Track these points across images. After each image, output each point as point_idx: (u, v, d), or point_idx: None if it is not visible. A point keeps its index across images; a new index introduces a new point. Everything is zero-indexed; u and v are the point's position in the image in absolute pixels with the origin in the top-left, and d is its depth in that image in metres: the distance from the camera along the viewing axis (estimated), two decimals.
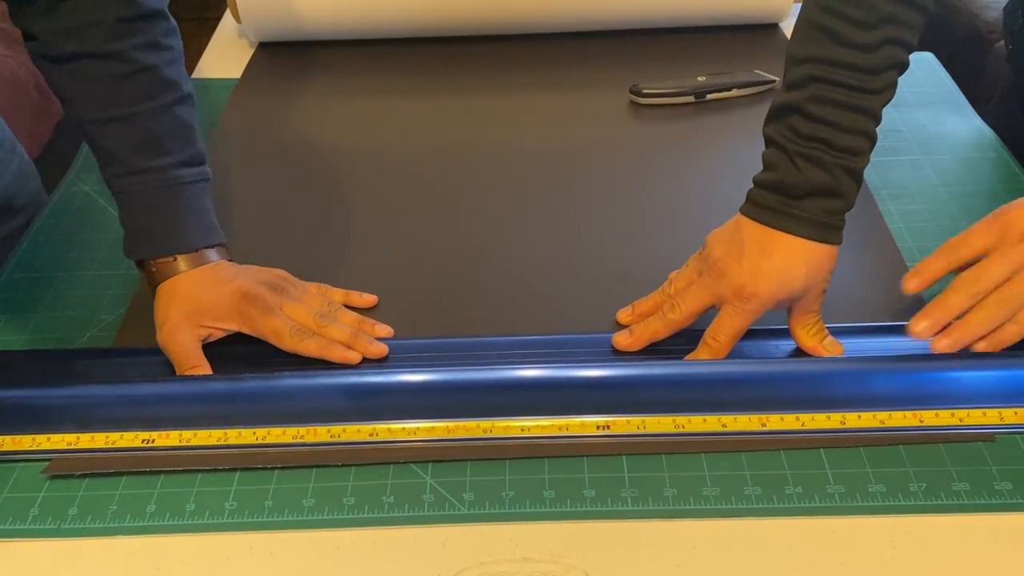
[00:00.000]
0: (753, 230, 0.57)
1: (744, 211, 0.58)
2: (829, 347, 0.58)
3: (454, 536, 0.49)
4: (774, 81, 0.86)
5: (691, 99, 0.86)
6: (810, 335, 0.58)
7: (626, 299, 0.64)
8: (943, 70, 0.93)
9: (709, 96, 0.86)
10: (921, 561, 0.47)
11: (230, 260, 0.63)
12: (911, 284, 0.58)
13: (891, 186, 0.75)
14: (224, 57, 0.99)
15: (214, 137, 0.84)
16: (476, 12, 0.96)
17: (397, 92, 0.92)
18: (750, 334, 0.59)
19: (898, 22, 0.53)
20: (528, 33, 0.99)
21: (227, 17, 1.07)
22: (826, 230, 0.56)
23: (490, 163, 0.81)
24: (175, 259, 0.60)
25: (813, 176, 0.55)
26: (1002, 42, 1.35)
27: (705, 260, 0.59)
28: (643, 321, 0.59)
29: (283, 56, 0.98)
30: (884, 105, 0.55)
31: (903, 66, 0.55)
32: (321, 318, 0.60)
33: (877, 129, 0.56)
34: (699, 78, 0.86)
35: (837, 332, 0.60)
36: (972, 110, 0.86)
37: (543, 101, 0.90)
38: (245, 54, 0.99)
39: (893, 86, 0.55)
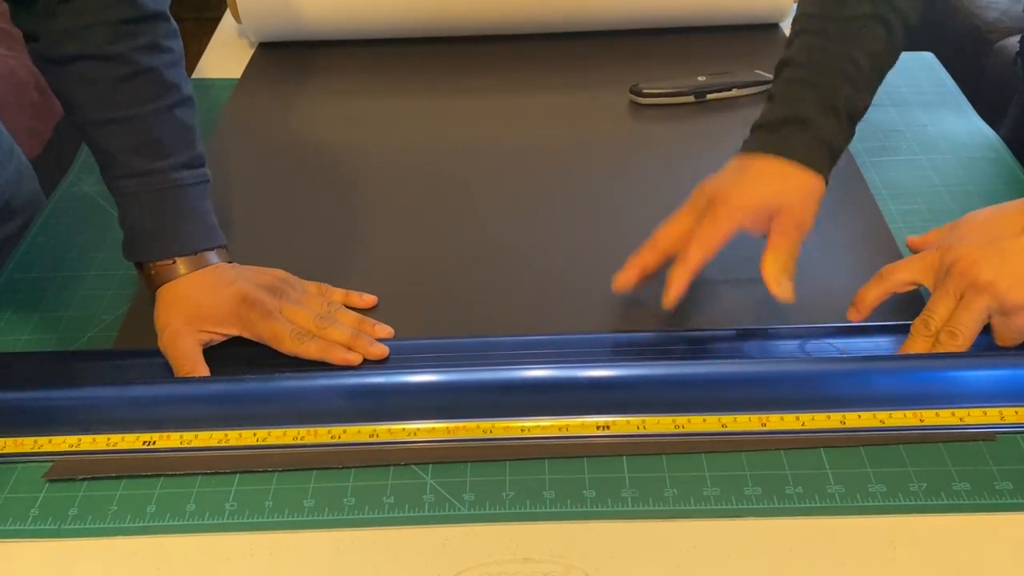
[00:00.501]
0: (737, 159, 0.61)
1: (739, 152, 0.62)
2: (781, 284, 0.58)
3: (454, 537, 0.49)
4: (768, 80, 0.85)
5: (691, 99, 0.86)
6: (774, 263, 0.58)
7: (627, 298, 0.64)
8: (943, 70, 0.93)
9: (709, 96, 0.86)
10: (921, 561, 0.47)
11: (230, 262, 0.63)
12: (852, 316, 0.59)
13: (891, 186, 0.75)
14: (224, 57, 0.99)
15: (214, 137, 0.84)
16: (476, 12, 0.96)
17: (397, 92, 0.92)
18: (751, 334, 0.59)
19: None
20: (528, 33, 0.99)
21: (227, 17, 1.07)
22: (804, 154, 0.59)
23: (491, 163, 0.81)
24: (174, 262, 0.60)
25: (787, 109, 0.60)
26: (1001, 42, 1.35)
27: (695, 193, 0.62)
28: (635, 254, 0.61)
29: (283, 56, 0.98)
30: (868, 54, 0.60)
31: (886, 22, 0.60)
32: (321, 320, 0.60)
33: (872, 76, 0.60)
34: (699, 78, 0.86)
35: (838, 332, 0.60)
36: (972, 110, 0.86)
37: (544, 101, 0.91)
38: (245, 54, 0.99)
39: (877, 39, 0.60)
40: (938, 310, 0.56)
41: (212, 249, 0.62)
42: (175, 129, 0.61)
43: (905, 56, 0.94)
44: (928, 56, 0.95)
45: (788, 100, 0.61)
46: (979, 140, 0.81)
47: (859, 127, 0.83)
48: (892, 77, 0.90)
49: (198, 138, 0.63)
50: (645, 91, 0.86)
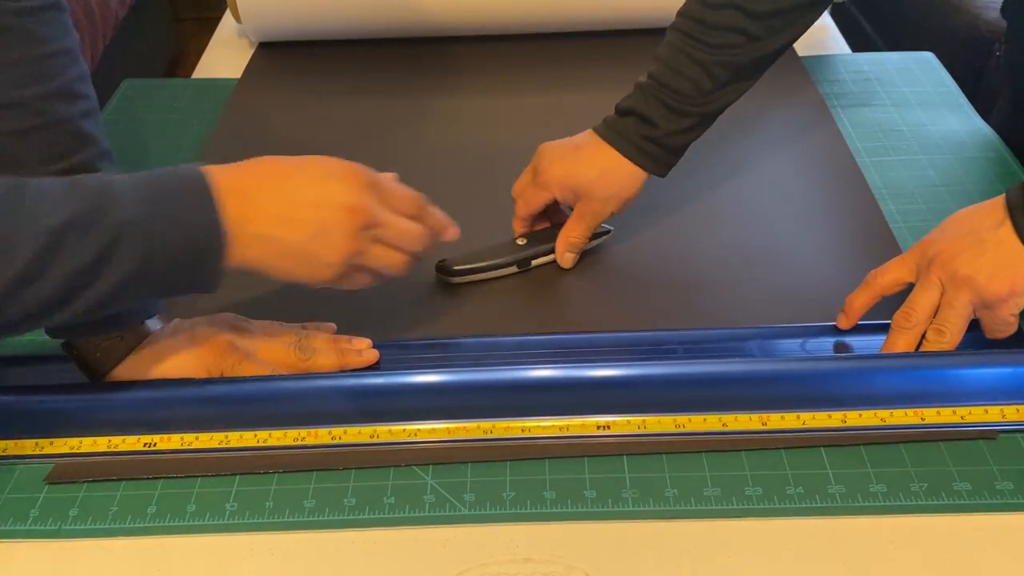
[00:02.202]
0: (586, 135, 0.66)
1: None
2: (564, 257, 0.67)
3: (455, 537, 0.49)
4: (610, 231, 0.70)
5: (514, 269, 0.68)
6: (564, 240, 0.66)
7: (627, 298, 0.65)
8: (943, 70, 0.93)
9: (534, 262, 0.68)
10: (922, 561, 0.47)
11: (171, 319, 0.58)
12: (842, 323, 0.60)
13: (891, 186, 0.75)
14: (224, 57, 1.00)
15: (214, 137, 0.84)
16: (477, 12, 0.96)
17: (397, 92, 0.92)
18: (751, 334, 0.59)
19: None
20: (528, 33, 0.99)
21: (227, 17, 1.07)
22: (634, 151, 0.64)
23: (492, 162, 0.80)
24: (122, 338, 0.55)
25: (634, 101, 0.63)
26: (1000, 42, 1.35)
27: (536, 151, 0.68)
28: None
29: (283, 56, 0.98)
30: (728, 63, 0.62)
31: (746, 33, 0.61)
32: (301, 351, 0.57)
33: (714, 82, 0.62)
34: (519, 241, 0.68)
35: (838, 332, 0.60)
36: (972, 110, 0.86)
37: (544, 101, 0.91)
38: (245, 54, 0.99)
39: (736, 48, 0.61)
40: (920, 302, 0.56)
41: (152, 316, 0.57)
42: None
43: (905, 56, 0.94)
44: (928, 56, 0.95)
45: (640, 94, 0.63)
46: (979, 140, 0.81)
47: (859, 127, 0.83)
48: (892, 77, 0.90)
49: None
50: (456, 268, 0.66)
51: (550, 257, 0.68)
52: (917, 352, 0.57)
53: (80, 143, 0.54)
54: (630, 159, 0.64)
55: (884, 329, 0.59)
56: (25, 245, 0.43)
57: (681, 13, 0.64)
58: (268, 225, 0.48)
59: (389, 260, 0.53)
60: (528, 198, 0.67)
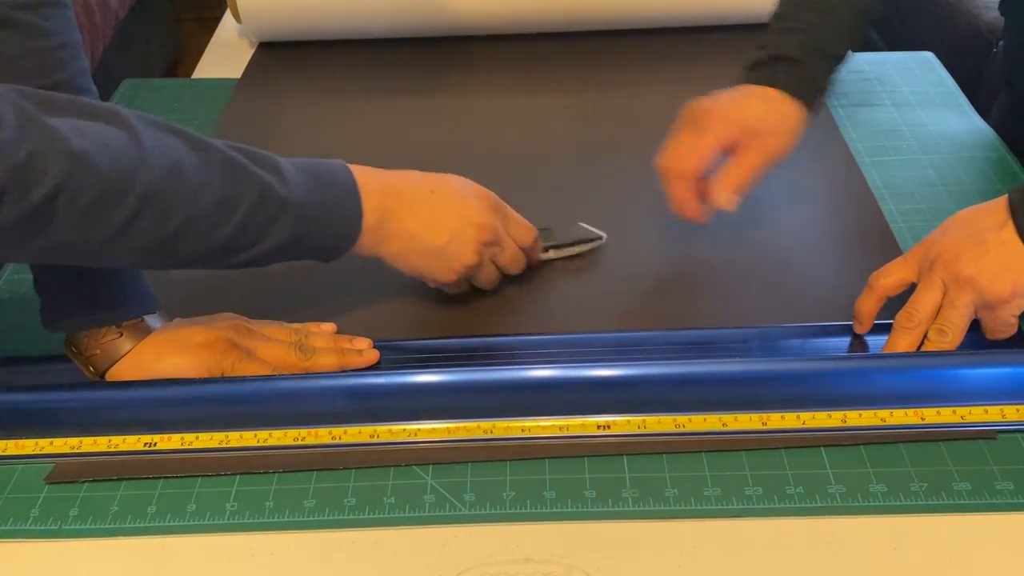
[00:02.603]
0: (735, 87, 0.65)
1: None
2: (723, 195, 0.63)
3: (455, 537, 0.49)
4: (603, 238, 0.69)
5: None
6: (727, 175, 0.63)
7: (627, 298, 0.65)
8: (943, 70, 0.92)
9: (552, 253, 0.67)
10: (922, 561, 0.47)
11: (171, 319, 0.59)
12: (859, 329, 0.60)
13: (891, 186, 0.75)
14: (224, 57, 0.99)
15: (214, 137, 0.84)
16: (477, 12, 0.96)
17: (398, 92, 0.92)
18: (751, 334, 0.59)
19: None
20: (528, 33, 0.99)
21: (227, 17, 1.07)
22: (790, 86, 0.63)
23: (491, 162, 0.80)
24: (121, 335, 0.56)
25: (773, 49, 0.64)
26: (1002, 42, 1.35)
27: (692, 109, 0.66)
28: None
29: (283, 56, 0.98)
30: (851, 9, 0.64)
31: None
32: (302, 351, 0.57)
33: (855, 19, 0.64)
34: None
35: (838, 332, 0.60)
36: (972, 110, 0.86)
37: (544, 101, 0.91)
38: (245, 54, 0.99)
39: None
40: (923, 302, 0.56)
41: (151, 314, 0.57)
42: None
43: (905, 56, 0.94)
44: (928, 56, 0.95)
45: (776, 43, 0.64)
46: (979, 140, 0.81)
47: (859, 127, 0.83)
48: (892, 77, 0.90)
49: None
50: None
51: (564, 253, 0.67)
52: (917, 352, 0.57)
53: None
54: (791, 94, 0.63)
55: (886, 330, 0.59)
56: (232, 202, 0.50)
57: None
58: (415, 225, 0.57)
59: (493, 277, 0.62)
60: (685, 150, 0.63)
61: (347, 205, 0.55)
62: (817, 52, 0.64)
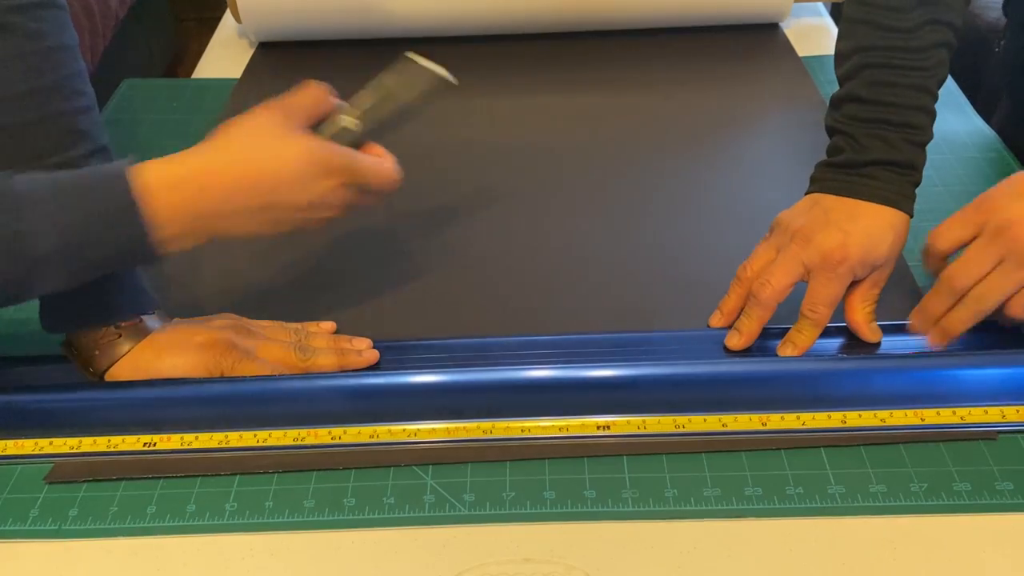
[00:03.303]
0: (833, 200, 0.58)
1: (815, 190, 0.59)
2: (872, 330, 0.58)
3: (455, 537, 0.49)
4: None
5: None
6: (864, 310, 0.58)
7: (630, 297, 0.64)
8: None
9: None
10: (922, 562, 0.47)
11: (171, 319, 0.59)
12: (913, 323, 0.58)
13: None
14: (224, 57, 0.99)
15: None
16: (477, 12, 0.96)
17: None
18: (764, 334, 0.59)
19: (935, 3, 0.56)
20: (528, 33, 0.99)
21: (227, 17, 1.07)
22: (900, 198, 0.58)
23: (491, 162, 0.81)
24: (120, 335, 0.55)
25: (878, 151, 0.57)
26: (1003, 42, 1.35)
27: (784, 234, 0.59)
28: (744, 316, 0.59)
29: (283, 56, 0.98)
30: (938, 83, 0.58)
31: (949, 46, 0.58)
32: (301, 351, 0.57)
33: (936, 105, 0.59)
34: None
35: (838, 332, 0.60)
36: (972, 110, 0.86)
37: (543, 101, 0.90)
38: (245, 54, 0.99)
39: (943, 64, 0.58)
40: (971, 271, 0.54)
41: (149, 314, 0.57)
42: None
43: None
44: None
45: (872, 141, 0.58)
46: (979, 140, 0.81)
47: None
48: None
49: None
50: None
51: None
52: (917, 352, 0.57)
53: (75, 139, 0.54)
54: (900, 208, 0.58)
55: (883, 329, 0.59)
56: None
57: (867, 47, 0.59)
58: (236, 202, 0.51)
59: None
60: (832, 302, 0.57)
61: (123, 227, 0.48)
62: (922, 149, 0.59)
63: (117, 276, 0.56)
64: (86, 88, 0.56)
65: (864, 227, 0.57)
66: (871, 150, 0.58)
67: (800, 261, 0.57)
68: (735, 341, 0.59)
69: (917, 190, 0.59)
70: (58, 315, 0.56)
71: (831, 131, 0.61)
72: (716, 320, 0.61)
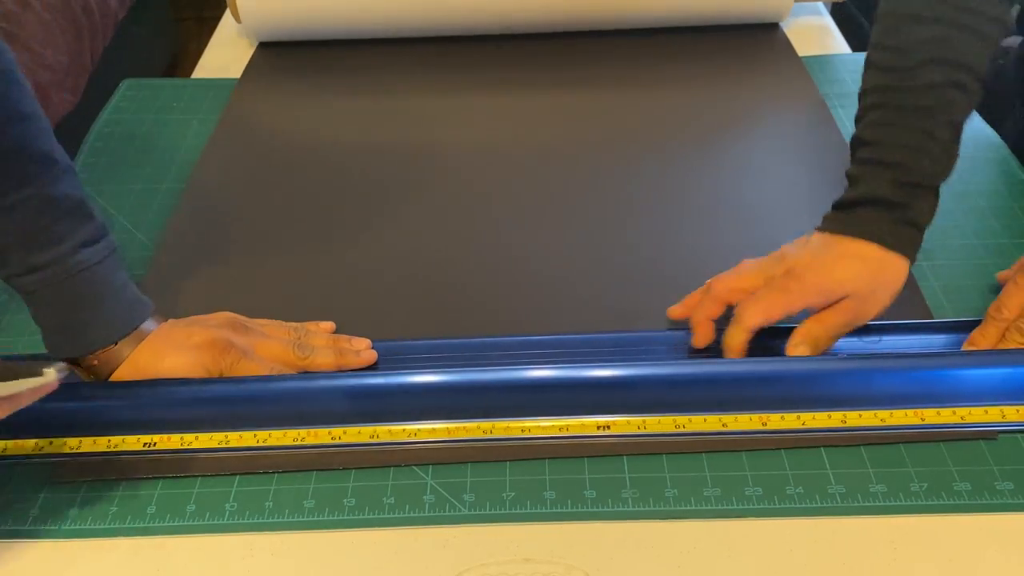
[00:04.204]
0: (822, 235, 0.58)
1: (819, 227, 0.59)
2: (797, 348, 0.56)
3: (455, 537, 0.49)
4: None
5: None
6: (807, 333, 0.57)
7: (629, 297, 0.64)
8: None
9: None
10: (922, 562, 0.47)
11: (165, 319, 0.58)
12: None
13: None
14: (224, 57, 0.99)
15: (214, 137, 0.84)
16: (477, 12, 0.96)
17: (398, 92, 0.92)
18: (771, 334, 0.59)
19: (941, 42, 0.54)
20: (528, 33, 0.99)
21: (227, 17, 1.07)
22: (888, 237, 0.56)
23: (491, 162, 0.80)
24: (116, 344, 0.55)
25: (862, 188, 0.57)
26: (1002, 43, 1.34)
27: (772, 256, 0.59)
28: (697, 308, 0.59)
29: (283, 56, 0.98)
30: (948, 123, 0.56)
31: (959, 84, 0.55)
32: (299, 349, 0.57)
33: (943, 143, 0.56)
34: None
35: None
36: (972, 111, 0.85)
37: (543, 101, 0.90)
38: (245, 54, 0.99)
39: (952, 103, 0.55)
40: (1010, 301, 0.56)
41: (145, 319, 0.57)
42: (62, 209, 0.53)
43: None
44: None
45: (867, 180, 0.57)
46: (979, 140, 0.81)
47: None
48: None
49: (92, 207, 0.55)
50: None
51: None
52: (917, 352, 0.57)
53: (39, 166, 0.52)
54: (882, 244, 0.56)
55: (881, 329, 0.59)
56: None
57: (870, 89, 0.58)
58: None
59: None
60: (769, 308, 0.56)
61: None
62: (918, 189, 0.56)
63: (110, 295, 0.55)
64: (35, 109, 0.54)
65: (836, 255, 0.56)
66: (857, 188, 0.58)
67: (764, 273, 0.58)
68: (698, 339, 0.59)
69: None
70: (62, 343, 0.56)
71: (847, 175, 0.60)
72: (675, 311, 0.61)
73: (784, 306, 0.56)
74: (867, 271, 0.56)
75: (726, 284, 0.59)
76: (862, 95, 0.60)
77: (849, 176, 0.59)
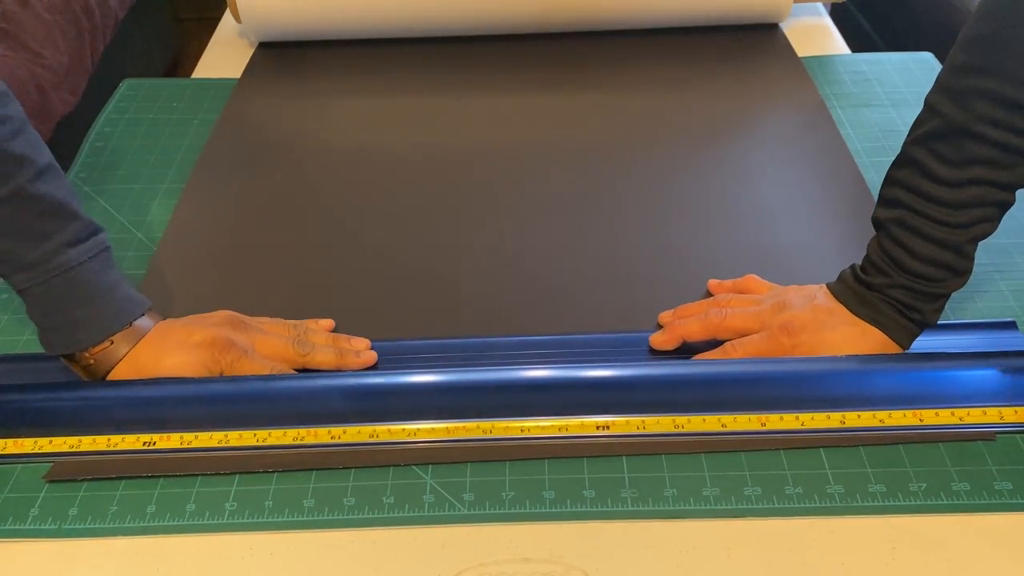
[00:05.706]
0: (830, 300, 0.58)
1: (830, 286, 0.59)
2: (661, 339, 0.59)
3: (454, 537, 0.49)
4: None
5: None
6: (741, 348, 0.58)
7: (627, 298, 0.65)
8: None
9: None
10: (921, 561, 0.47)
11: (163, 318, 0.59)
12: None
13: None
14: (224, 57, 1.00)
15: (214, 137, 0.84)
16: (477, 12, 0.96)
17: (398, 92, 0.92)
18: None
19: (992, 164, 0.52)
20: (528, 33, 0.99)
21: (227, 17, 1.07)
22: (897, 331, 0.57)
23: (491, 162, 0.81)
24: (112, 342, 0.55)
25: (884, 282, 0.56)
26: None
27: (775, 297, 0.60)
28: (682, 320, 0.60)
29: (283, 56, 0.98)
30: (973, 239, 0.54)
31: (1000, 204, 0.54)
32: (300, 346, 0.58)
33: (968, 259, 0.55)
34: None
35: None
36: None
37: (543, 101, 0.90)
38: (245, 54, 0.99)
39: (984, 221, 0.54)
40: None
41: (140, 316, 0.57)
42: (43, 208, 0.53)
43: (905, 56, 0.95)
44: (928, 56, 0.95)
45: (888, 275, 0.56)
46: None
47: (859, 127, 0.83)
48: (891, 77, 0.90)
49: (78, 207, 0.56)
50: None
51: None
52: (915, 354, 0.57)
53: (14, 166, 0.53)
54: (892, 338, 0.57)
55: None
56: None
57: (906, 185, 0.55)
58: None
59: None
60: (756, 353, 0.58)
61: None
62: (937, 300, 0.56)
63: (105, 291, 0.56)
64: (11, 110, 0.54)
65: (835, 319, 0.57)
66: (877, 278, 0.57)
67: (762, 321, 0.58)
68: (659, 338, 0.59)
69: None
70: (54, 341, 0.56)
71: (876, 225, 0.59)
72: (666, 316, 0.62)
73: (768, 355, 0.57)
74: (865, 344, 0.57)
75: (722, 318, 0.59)
76: (892, 181, 0.57)
77: (871, 253, 0.58)
